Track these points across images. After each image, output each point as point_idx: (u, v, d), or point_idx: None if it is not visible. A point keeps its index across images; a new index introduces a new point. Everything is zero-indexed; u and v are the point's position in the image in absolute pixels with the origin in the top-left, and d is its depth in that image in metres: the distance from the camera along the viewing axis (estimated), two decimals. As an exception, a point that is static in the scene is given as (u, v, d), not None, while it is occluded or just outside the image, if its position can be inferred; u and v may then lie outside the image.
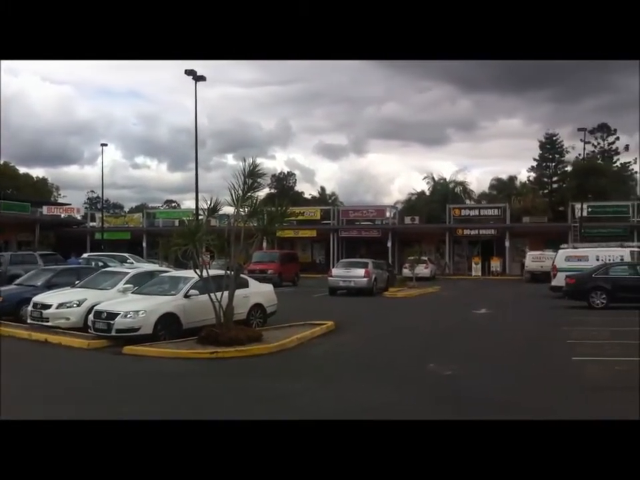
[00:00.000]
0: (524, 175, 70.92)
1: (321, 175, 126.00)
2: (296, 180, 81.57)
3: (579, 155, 56.59)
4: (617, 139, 67.00)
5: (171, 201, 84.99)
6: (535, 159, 68.40)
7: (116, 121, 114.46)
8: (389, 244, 49.04)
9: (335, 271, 29.09)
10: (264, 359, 11.64)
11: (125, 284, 15.16)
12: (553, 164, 67.67)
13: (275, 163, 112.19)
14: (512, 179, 67.77)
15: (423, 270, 38.07)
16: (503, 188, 65.09)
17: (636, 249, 27.09)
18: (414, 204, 62.78)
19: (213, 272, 14.07)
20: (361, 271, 27.89)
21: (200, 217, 14.60)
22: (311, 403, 8.37)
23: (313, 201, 69.78)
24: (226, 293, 12.92)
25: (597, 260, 24.94)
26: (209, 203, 13.83)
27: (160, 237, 38.43)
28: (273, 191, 68.21)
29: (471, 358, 11.82)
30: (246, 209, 13.58)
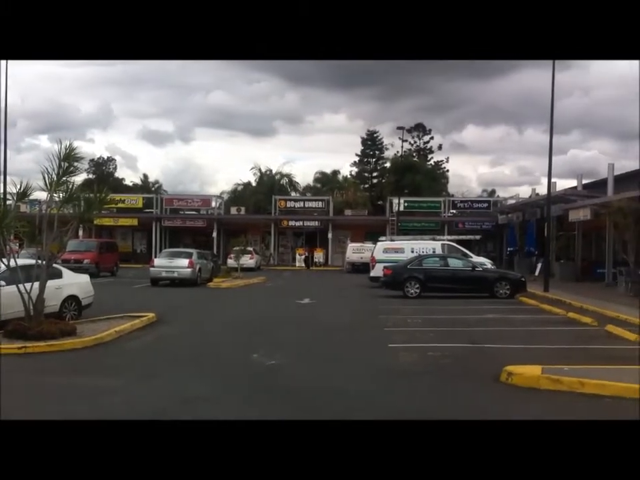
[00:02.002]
0: (347, 169, 73.61)
1: (144, 161, 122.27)
2: (117, 166, 78.64)
3: (397, 152, 59.88)
4: (432, 138, 71.61)
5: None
6: (357, 155, 71.36)
7: None
8: (214, 234, 48.64)
9: (157, 261, 28.32)
10: (78, 354, 10.92)
11: None
12: (374, 160, 70.94)
13: (94, 147, 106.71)
14: (335, 172, 70.00)
15: (248, 260, 38.16)
16: (327, 181, 67.01)
17: (446, 242, 29.07)
18: (240, 194, 62.74)
19: (22, 261, 13.05)
20: (185, 261, 27.37)
21: (8, 202, 13.34)
22: (129, 399, 7.92)
23: (135, 188, 67.31)
24: (36, 284, 12.00)
25: (412, 252, 26.44)
26: (18, 186, 12.73)
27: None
28: (91, 176, 65.04)
29: (294, 347, 11.93)
30: (61, 195, 12.70)
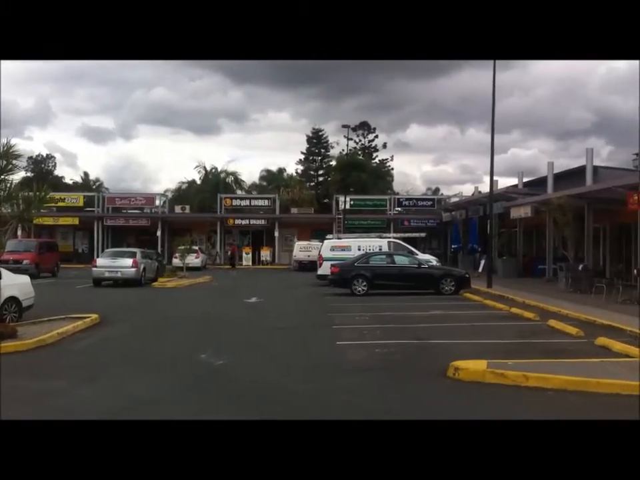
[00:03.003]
0: (292, 167, 73.63)
1: (84, 159, 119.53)
2: (56, 163, 76.88)
3: (343, 150, 60.03)
4: (376, 137, 72.21)
5: None
6: (302, 153, 71.38)
7: None
8: (159, 233, 47.94)
9: (99, 261, 27.77)
10: (19, 357, 10.56)
11: None
12: (319, 158, 71.09)
13: (32, 144, 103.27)
14: (281, 171, 69.92)
15: (193, 260, 37.69)
16: (273, 179, 66.86)
17: (392, 240, 29.35)
18: (185, 193, 61.99)
19: (-44, 262, 12.57)
20: (128, 261, 26.88)
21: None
22: (73, 401, 7.71)
23: (76, 187, 65.71)
24: (-27, 286, 11.58)
25: (359, 250, 26.57)
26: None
27: None
28: (29, 174, 63.13)
29: (242, 347, 11.84)
30: (-1, 193, 12.27)
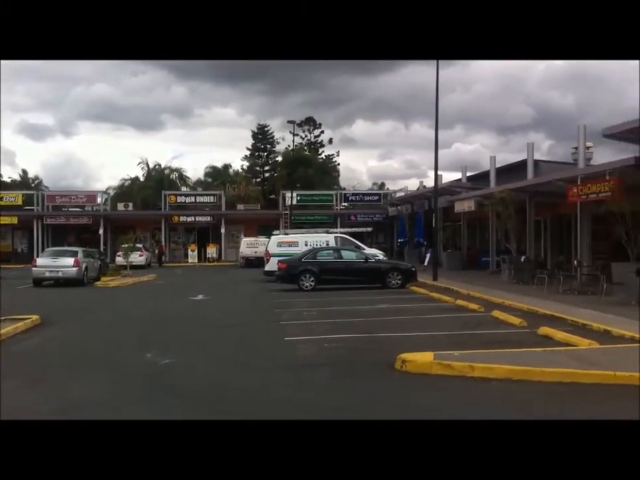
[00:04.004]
0: (238, 163, 73.06)
1: (23, 156, 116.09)
2: (-7, 161, 74.04)
3: (289, 146, 60.01)
4: (322, 132, 72.37)
5: None
6: (248, 149, 70.95)
7: None
8: (101, 231, 47.00)
9: (40, 261, 27.04)
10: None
11: None
12: (265, 154, 70.81)
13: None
14: (227, 167, 69.37)
15: (137, 258, 37.15)
16: (218, 176, 66.29)
17: (339, 234, 29.43)
18: (128, 190, 60.92)
19: None
20: (70, 260, 26.24)
21: None
22: (15, 403, 7.42)
23: (14, 185, 63.72)
24: None
25: (306, 245, 26.55)
26: None
27: None
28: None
29: (189, 345, 11.67)
30: None
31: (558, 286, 18.96)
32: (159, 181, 58.32)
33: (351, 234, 30.94)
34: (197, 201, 51.93)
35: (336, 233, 30.49)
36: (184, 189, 60.49)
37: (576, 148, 25.51)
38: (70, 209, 50.26)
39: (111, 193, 58.90)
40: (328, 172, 66.89)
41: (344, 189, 60.70)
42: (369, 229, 42.24)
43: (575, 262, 20.81)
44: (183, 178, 62.76)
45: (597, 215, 19.84)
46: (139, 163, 62.89)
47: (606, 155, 59.78)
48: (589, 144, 26.65)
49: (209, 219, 49.33)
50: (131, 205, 50.75)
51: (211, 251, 47.05)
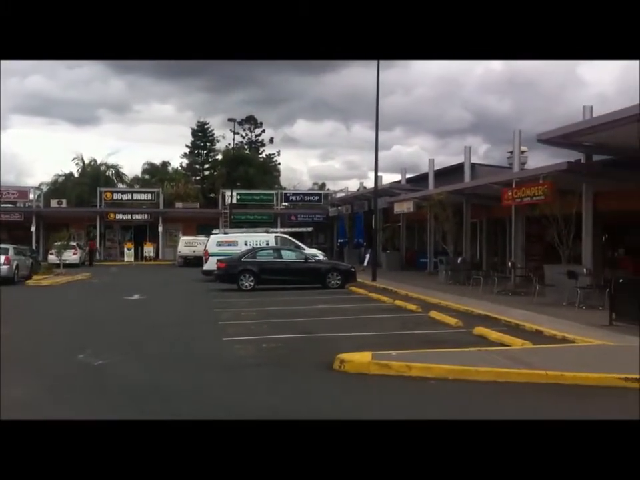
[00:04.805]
0: (177, 160, 71.89)
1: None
2: None
3: (229, 144, 59.49)
4: (263, 131, 71.89)
5: None
6: (187, 146, 69.80)
7: None
8: (33, 228, 45.61)
9: (-33, 258, 25.87)
10: None
11: None
12: (205, 152, 69.85)
13: None
14: (165, 164, 68.20)
15: (71, 256, 36.22)
16: (156, 173, 65.08)
17: (279, 234, 29.37)
18: (61, 186, 59.14)
19: None
20: (0, 258, 25.28)
21: None
22: None
23: (-59, 180, 61.07)
24: None
25: (246, 245, 26.38)
26: None
27: None
28: None
29: (124, 345, 11.39)
30: None
31: (493, 287, 19.38)
32: (95, 178, 56.86)
33: (291, 234, 30.91)
34: (134, 198, 50.92)
35: (276, 232, 30.42)
36: (120, 185, 59.17)
37: (511, 152, 26.15)
38: (1, 205, 48.49)
39: (44, 189, 57.04)
40: (269, 171, 66.61)
41: (284, 188, 60.61)
42: (309, 229, 42.32)
43: (509, 263, 21.32)
44: (119, 175, 61.36)
45: (531, 218, 20.41)
46: (74, 159, 61.12)
47: (540, 159, 61.57)
48: (523, 148, 27.34)
49: (146, 216, 48.45)
50: (64, 201, 49.37)
51: (148, 249, 46.22)
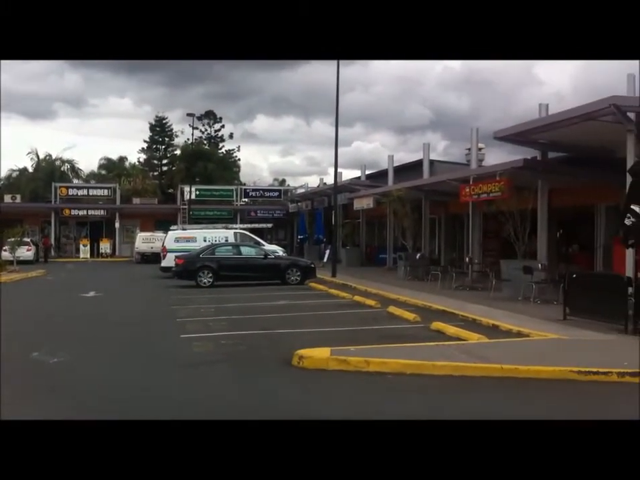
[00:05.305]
0: (134, 156, 70.88)
1: None
2: None
3: (188, 139, 58.89)
4: (223, 126, 71.29)
5: None
6: (145, 141, 68.79)
7: None
8: (-14, 224, 44.36)
9: None
10: None
11: None
12: (163, 147, 68.93)
13: None
14: (122, 159, 67.08)
15: (25, 253, 35.47)
16: (113, 168, 63.99)
17: (239, 230, 29.19)
18: (16, 181, 57.89)
19: None
20: (-50, 254, 24.62)
21: None
22: None
23: None
24: None
25: (205, 241, 26.14)
26: None
27: None
28: None
29: (79, 343, 11.18)
30: None
31: (451, 282, 19.59)
32: (50, 173, 55.71)
33: (250, 230, 30.79)
34: (90, 194, 50.10)
35: (235, 228, 30.24)
36: (76, 181, 58.06)
37: (469, 149, 26.46)
38: (-49, 200, 47.21)
39: (-2, 184, 55.80)
40: (228, 167, 66.06)
41: (244, 184, 60.25)
42: (269, 225, 42.18)
43: (467, 259, 21.59)
44: (75, 170, 60.17)
45: (488, 214, 20.68)
46: (28, 153, 59.78)
47: (498, 157, 62.54)
48: (481, 145, 27.71)
49: (102, 212, 47.68)
50: (18, 196, 48.33)
51: (105, 246, 45.46)
